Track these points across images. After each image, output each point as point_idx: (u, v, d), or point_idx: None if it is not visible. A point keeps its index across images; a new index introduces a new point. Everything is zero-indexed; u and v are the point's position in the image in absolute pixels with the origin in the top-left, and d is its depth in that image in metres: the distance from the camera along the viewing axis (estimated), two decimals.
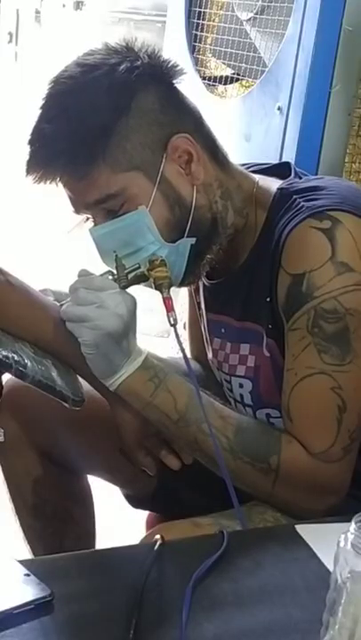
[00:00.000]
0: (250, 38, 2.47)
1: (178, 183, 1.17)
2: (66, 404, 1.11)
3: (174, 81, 1.19)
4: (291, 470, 1.10)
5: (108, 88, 1.13)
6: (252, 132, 2.46)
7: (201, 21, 2.73)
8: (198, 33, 2.75)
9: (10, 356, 1.07)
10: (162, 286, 1.11)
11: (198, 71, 2.77)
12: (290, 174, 1.26)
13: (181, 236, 1.18)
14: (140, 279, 1.13)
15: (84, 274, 1.13)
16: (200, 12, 2.73)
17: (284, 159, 2.28)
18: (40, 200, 3.84)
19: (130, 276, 1.12)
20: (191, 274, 1.22)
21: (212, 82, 2.75)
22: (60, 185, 1.18)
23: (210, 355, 1.37)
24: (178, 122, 1.17)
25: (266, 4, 2.36)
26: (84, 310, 1.08)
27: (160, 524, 1.14)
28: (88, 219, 1.23)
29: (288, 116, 2.27)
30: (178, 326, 1.11)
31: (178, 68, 1.20)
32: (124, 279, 1.12)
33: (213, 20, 2.69)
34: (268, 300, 1.17)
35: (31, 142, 1.18)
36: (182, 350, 1.12)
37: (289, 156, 2.27)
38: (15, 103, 3.83)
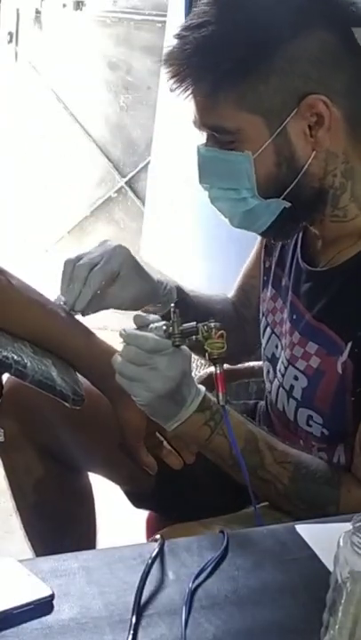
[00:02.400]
0: None
1: (297, 142, 1.11)
2: (66, 404, 1.12)
3: (353, 28, 1.08)
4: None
5: (272, 17, 1.07)
6: None
7: None
8: None
9: (9, 356, 1.07)
10: (216, 361, 1.05)
11: None
12: None
13: (278, 195, 1.13)
14: (195, 345, 1.08)
15: (139, 322, 1.10)
16: None
17: None
18: (40, 200, 3.84)
19: (184, 334, 1.07)
20: (277, 233, 1.18)
21: None
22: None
23: (263, 305, 1.35)
24: (327, 81, 1.09)
25: None
26: (136, 371, 1.06)
27: (169, 527, 1.13)
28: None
29: None
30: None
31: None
32: (179, 337, 1.07)
33: None
34: None
35: (181, 37, 1.10)
36: (231, 434, 1.08)
37: None
38: (15, 103, 3.82)
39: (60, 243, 3.78)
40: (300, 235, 1.28)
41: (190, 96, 1.12)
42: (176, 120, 2.95)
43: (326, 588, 0.75)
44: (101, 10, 3.57)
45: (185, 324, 1.07)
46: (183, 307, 1.17)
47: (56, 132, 3.77)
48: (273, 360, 1.30)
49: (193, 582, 0.86)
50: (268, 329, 1.32)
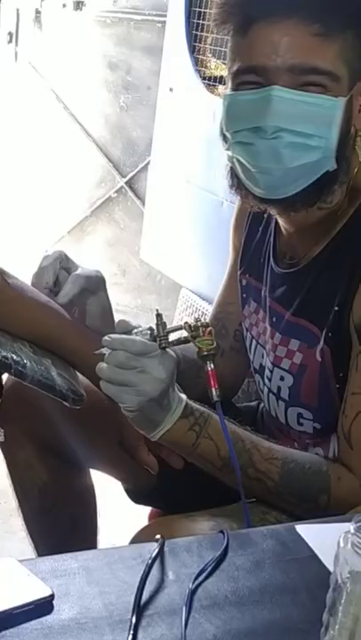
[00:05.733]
0: None
1: (354, 112, 1.13)
2: (66, 403, 1.12)
3: None
4: (343, 505, 1.07)
5: None
6: None
7: (201, 21, 2.73)
8: (198, 33, 2.75)
9: (9, 356, 1.07)
10: (206, 358, 1.05)
11: (198, 71, 2.78)
12: None
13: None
14: (183, 343, 1.07)
15: (123, 328, 1.09)
16: (200, 12, 2.73)
17: None
18: (40, 200, 3.84)
19: (171, 337, 1.07)
20: (299, 200, 1.14)
21: (212, 82, 2.75)
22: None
23: (246, 321, 1.35)
24: None
25: None
26: (125, 375, 1.05)
27: (155, 520, 1.14)
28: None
29: None
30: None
31: None
32: (165, 339, 1.06)
33: None
34: (335, 308, 1.13)
35: None
36: (224, 427, 1.08)
37: None
38: (15, 103, 3.82)
39: (59, 243, 3.79)
40: (271, 240, 1.30)
41: (279, 31, 1.07)
42: (176, 120, 2.95)
43: (326, 587, 0.75)
44: (101, 10, 3.58)
45: (170, 326, 1.07)
46: None
47: (56, 132, 3.77)
48: (261, 370, 1.32)
49: (193, 582, 0.86)
50: (254, 342, 1.34)
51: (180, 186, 2.94)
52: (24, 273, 1.22)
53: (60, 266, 1.25)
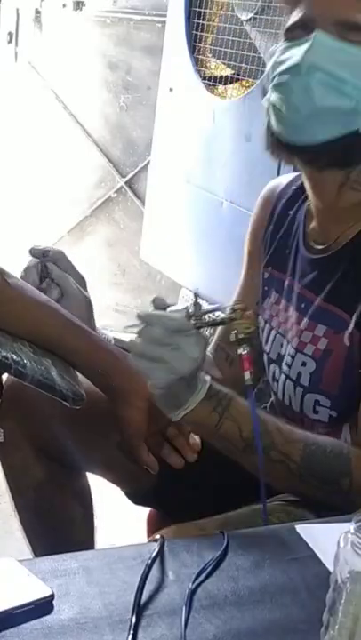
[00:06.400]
0: (250, 38, 2.47)
1: None
2: (66, 403, 1.12)
3: None
4: None
5: None
6: (252, 131, 2.46)
7: (201, 21, 2.73)
8: (198, 33, 2.75)
9: (9, 356, 1.07)
10: (242, 341, 1.06)
11: (198, 71, 2.78)
12: None
13: None
14: (219, 324, 1.08)
15: (159, 305, 1.09)
16: (200, 12, 2.73)
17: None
18: (40, 200, 3.84)
19: (206, 317, 1.06)
20: (329, 154, 1.15)
21: (212, 82, 2.76)
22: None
23: (265, 313, 1.35)
24: None
25: (266, 4, 2.36)
26: (159, 351, 1.05)
27: (166, 529, 1.13)
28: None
29: None
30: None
31: None
32: (200, 319, 1.06)
33: (213, 20, 2.70)
34: None
35: None
36: (253, 409, 1.08)
37: None
38: (15, 103, 3.82)
39: (60, 243, 3.79)
40: (300, 230, 1.31)
41: None
42: (176, 120, 2.95)
43: (326, 587, 0.75)
44: (101, 10, 3.58)
45: (206, 307, 1.07)
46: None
47: (56, 132, 3.77)
48: (278, 359, 1.32)
49: (193, 582, 0.85)
50: (273, 332, 1.34)
51: (179, 186, 2.94)
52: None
53: (42, 264, 1.27)
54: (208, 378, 1.12)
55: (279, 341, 1.32)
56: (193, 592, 0.84)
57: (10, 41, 3.75)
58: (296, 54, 1.15)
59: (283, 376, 1.29)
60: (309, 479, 1.12)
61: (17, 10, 3.72)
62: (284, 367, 1.29)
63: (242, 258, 1.48)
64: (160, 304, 1.09)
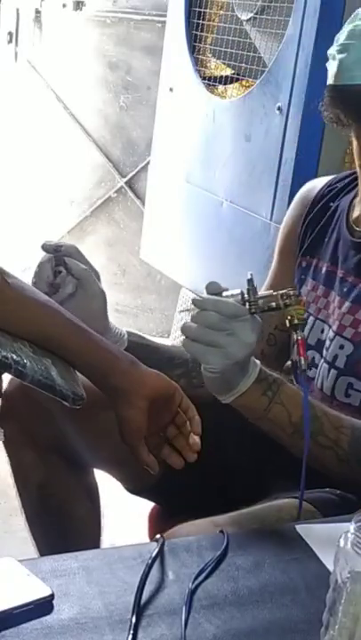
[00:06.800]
0: (250, 38, 2.47)
1: None
2: (66, 403, 1.11)
3: None
4: None
5: None
6: (252, 131, 2.46)
7: (201, 21, 2.73)
8: (198, 33, 2.75)
9: (9, 356, 1.07)
10: (297, 326, 1.07)
11: (198, 71, 2.78)
12: None
13: None
14: (275, 310, 1.09)
15: (213, 290, 1.09)
16: (200, 12, 2.73)
17: (284, 159, 2.29)
18: (40, 200, 3.84)
19: (261, 302, 1.07)
20: None
21: (212, 82, 2.75)
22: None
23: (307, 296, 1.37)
24: None
25: (266, 4, 2.36)
26: (214, 336, 1.05)
27: (182, 524, 1.13)
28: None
29: (288, 116, 2.27)
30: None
31: None
32: (255, 305, 1.07)
33: (213, 20, 2.69)
34: None
35: None
36: (306, 398, 1.09)
37: (289, 155, 2.27)
38: (15, 103, 3.83)
39: None
40: (343, 216, 1.35)
41: None
42: (176, 120, 2.95)
43: (326, 587, 0.75)
44: (101, 10, 3.58)
45: (260, 292, 1.08)
46: (141, 347, 1.24)
47: (56, 131, 3.77)
48: (318, 345, 1.33)
49: (193, 582, 0.86)
50: (311, 318, 1.35)
51: (179, 186, 2.94)
52: (24, 273, 1.22)
53: (57, 258, 1.27)
54: (258, 361, 1.13)
55: (319, 327, 1.34)
56: (193, 592, 0.84)
57: (10, 41, 3.75)
58: None
59: (322, 361, 1.30)
60: (356, 465, 1.13)
61: (17, 10, 3.72)
62: (324, 351, 1.30)
63: (273, 256, 1.50)
64: (214, 289, 1.09)
